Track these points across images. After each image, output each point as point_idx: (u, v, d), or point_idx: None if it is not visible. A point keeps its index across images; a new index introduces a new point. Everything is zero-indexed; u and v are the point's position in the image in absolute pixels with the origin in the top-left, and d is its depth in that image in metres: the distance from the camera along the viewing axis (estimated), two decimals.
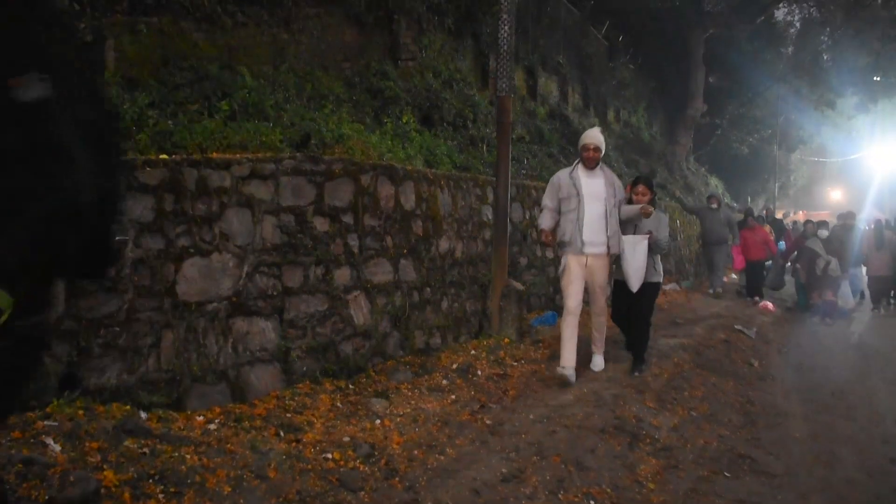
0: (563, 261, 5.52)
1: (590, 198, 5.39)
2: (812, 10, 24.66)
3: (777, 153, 26.38)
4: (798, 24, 26.48)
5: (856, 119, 30.15)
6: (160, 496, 2.88)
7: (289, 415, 4.09)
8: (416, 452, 3.80)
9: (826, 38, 24.40)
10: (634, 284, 5.46)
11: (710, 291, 11.81)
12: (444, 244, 6.28)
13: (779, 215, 20.97)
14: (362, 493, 3.27)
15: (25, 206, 1.51)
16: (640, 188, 5.65)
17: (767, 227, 13.47)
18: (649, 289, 5.64)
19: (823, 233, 10.58)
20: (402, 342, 5.66)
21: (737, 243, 11.85)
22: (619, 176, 6.42)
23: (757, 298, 11.25)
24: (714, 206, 11.71)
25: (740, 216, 13.44)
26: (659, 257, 5.76)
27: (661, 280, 5.94)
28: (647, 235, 5.52)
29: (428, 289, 6.01)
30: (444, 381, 5.23)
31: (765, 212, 19.07)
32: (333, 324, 4.98)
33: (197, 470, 3.13)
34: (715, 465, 4.13)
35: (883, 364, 7.54)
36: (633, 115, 20.43)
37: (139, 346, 3.80)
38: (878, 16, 21.35)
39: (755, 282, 11.57)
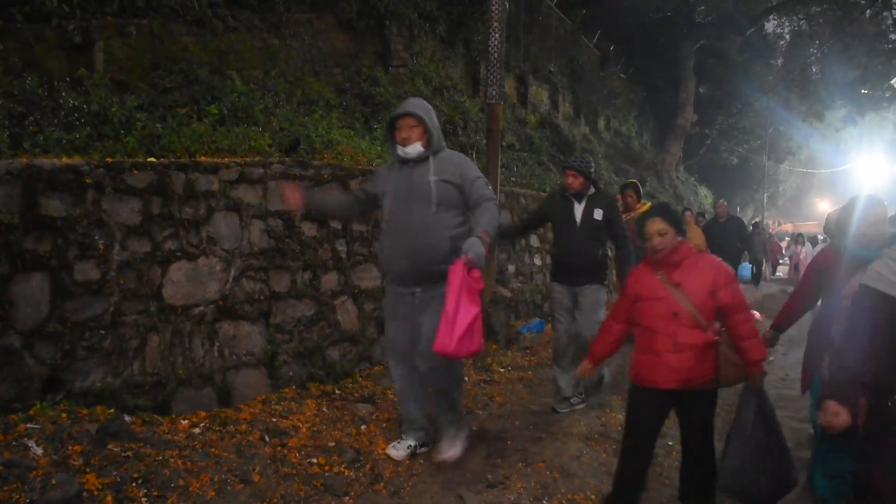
0: None
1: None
2: (801, 23, 25.10)
3: (766, 164, 26.62)
4: (788, 37, 26.93)
5: (844, 131, 30.51)
6: (143, 500, 2.87)
7: (274, 419, 4.08)
8: None
9: (815, 51, 24.75)
10: None
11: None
12: None
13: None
14: (347, 498, 3.27)
15: None
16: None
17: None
18: None
19: None
20: None
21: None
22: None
23: None
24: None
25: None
26: None
27: None
28: None
29: None
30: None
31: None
32: (320, 329, 4.98)
33: (181, 474, 3.12)
34: None
35: None
36: (624, 124, 20.59)
37: (124, 349, 3.78)
38: (865, 30, 21.71)
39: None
